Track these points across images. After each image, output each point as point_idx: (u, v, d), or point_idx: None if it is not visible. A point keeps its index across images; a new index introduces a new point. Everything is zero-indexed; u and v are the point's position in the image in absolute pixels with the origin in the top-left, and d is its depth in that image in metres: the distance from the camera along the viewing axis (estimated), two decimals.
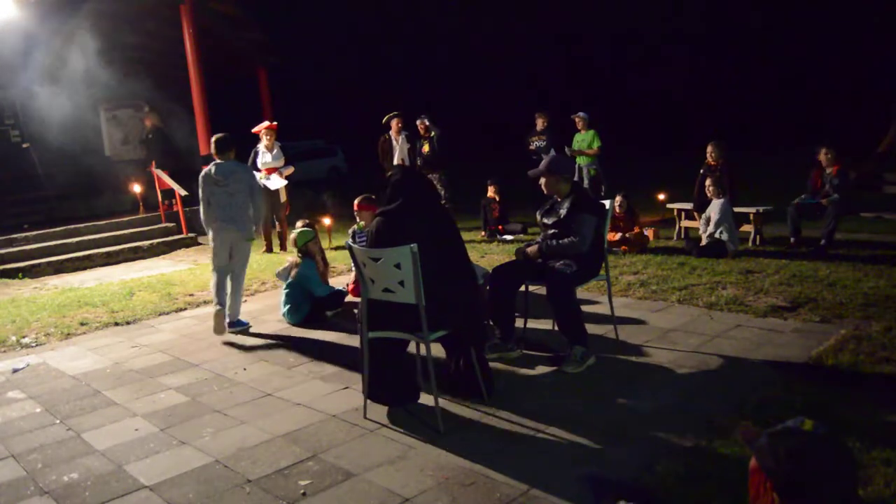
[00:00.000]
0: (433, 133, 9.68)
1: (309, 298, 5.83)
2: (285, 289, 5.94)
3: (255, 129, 9.54)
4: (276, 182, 9.30)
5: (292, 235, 6.16)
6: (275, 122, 9.65)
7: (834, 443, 1.49)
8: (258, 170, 9.29)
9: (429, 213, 3.72)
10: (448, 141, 9.75)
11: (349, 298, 6.31)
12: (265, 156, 9.34)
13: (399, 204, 3.67)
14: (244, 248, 5.76)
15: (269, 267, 8.23)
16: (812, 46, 24.23)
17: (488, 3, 30.04)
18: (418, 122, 9.84)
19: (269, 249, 9.62)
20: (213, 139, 5.82)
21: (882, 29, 21.31)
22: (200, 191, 5.66)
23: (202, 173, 5.68)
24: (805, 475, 1.44)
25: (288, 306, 5.85)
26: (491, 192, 9.80)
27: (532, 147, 10.36)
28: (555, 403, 3.75)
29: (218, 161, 5.67)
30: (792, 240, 7.59)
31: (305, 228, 6.25)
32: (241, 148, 10.28)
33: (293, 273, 5.92)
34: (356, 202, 6.79)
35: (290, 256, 6.10)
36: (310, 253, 6.13)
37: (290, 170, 9.53)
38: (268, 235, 9.66)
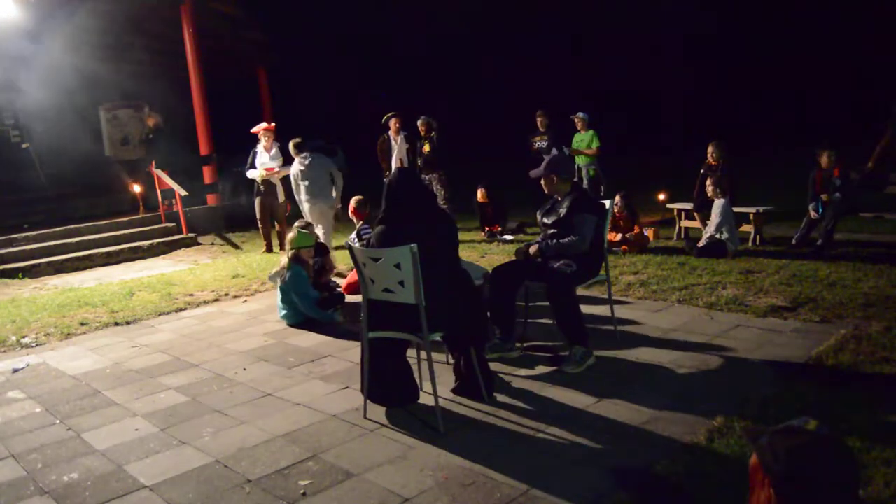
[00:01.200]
0: (434, 133, 9.67)
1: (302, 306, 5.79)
2: (280, 291, 5.83)
3: (253, 130, 9.56)
4: (253, 172, 9.34)
5: (290, 235, 6.06)
6: (273, 124, 9.67)
7: (835, 444, 1.49)
8: (255, 168, 9.35)
9: (425, 214, 3.72)
10: (448, 141, 9.74)
11: (348, 298, 6.29)
12: (263, 156, 9.37)
13: (396, 208, 3.68)
14: (327, 216, 8.70)
15: (269, 267, 8.22)
16: (812, 46, 24.23)
17: (490, 3, 30.05)
18: (419, 122, 9.84)
19: (269, 249, 9.63)
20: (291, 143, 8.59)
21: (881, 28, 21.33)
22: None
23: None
24: (800, 474, 1.44)
25: (285, 310, 5.82)
26: (480, 195, 9.82)
27: (535, 147, 10.36)
28: (555, 403, 3.75)
29: (302, 154, 8.46)
30: (794, 241, 7.58)
31: (304, 231, 6.02)
32: (241, 148, 10.34)
33: (284, 278, 5.77)
34: (352, 207, 6.79)
35: (285, 258, 6.00)
36: (301, 260, 5.87)
37: (288, 169, 9.52)
38: (267, 235, 9.66)
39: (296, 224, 6.36)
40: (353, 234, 6.77)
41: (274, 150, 9.37)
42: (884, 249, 6.97)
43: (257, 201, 9.53)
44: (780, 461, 1.46)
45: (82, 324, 6.21)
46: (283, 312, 5.82)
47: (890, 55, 19.61)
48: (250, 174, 9.44)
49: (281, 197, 9.50)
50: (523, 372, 4.25)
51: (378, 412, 3.76)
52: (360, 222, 6.71)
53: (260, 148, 9.41)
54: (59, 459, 3.48)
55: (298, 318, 5.75)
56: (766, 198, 8.40)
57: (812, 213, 7.48)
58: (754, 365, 4.09)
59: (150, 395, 4.34)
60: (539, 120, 10.47)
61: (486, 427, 3.53)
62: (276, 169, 9.33)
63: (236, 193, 12.65)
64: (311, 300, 5.72)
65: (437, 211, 3.92)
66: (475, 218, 10.20)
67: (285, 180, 9.50)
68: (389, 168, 9.76)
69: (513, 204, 10.33)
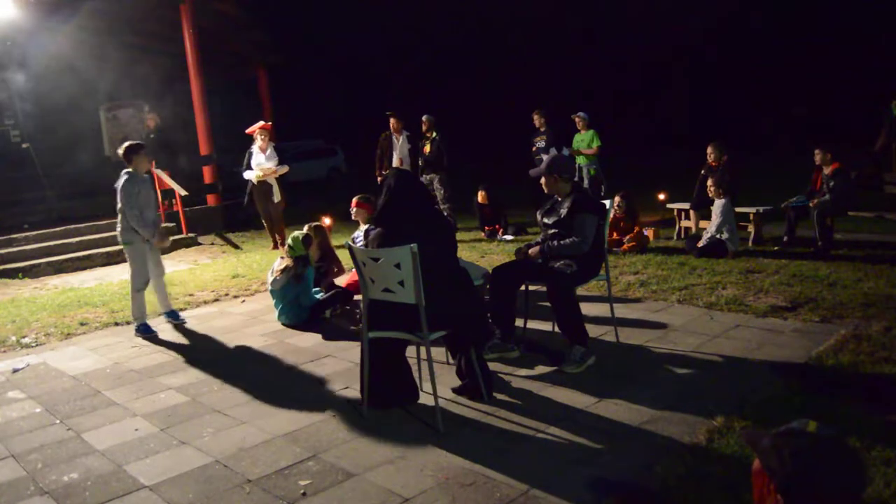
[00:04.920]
0: (435, 134, 9.67)
1: (304, 300, 5.79)
2: (279, 291, 5.77)
3: (248, 130, 9.57)
4: (250, 174, 9.35)
5: (296, 238, 5.99)
6: (269, 123, 9.68)
7: (839, 445, 1.48)
8: (251, 169, 9.35)
9: (423, 215, 3.73)
10: (449, 143, 9.74)
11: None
12: (258, 156, 9.37)
13: (394, 209, 3.68)
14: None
15: (269, 266, 8.22)
16: (813, 45, 24.23)
17: (490, 4, 30.07)
18: (423, 120, 9.84)
19: (276, 246, 9.69)
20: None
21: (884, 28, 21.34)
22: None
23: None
24: (809, 477, 1.43)
25: (283, 311, 5.78)
26: (481, 197, 9.86)
27: (534, 147, 10.37)
28: (555, 403, 3.75)
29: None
30: (785, 238, 7.60)
31: (296, 236, 5.97)
32: (240, 148, 10.31)
33: (287, 277, 5.73)
34: (354, 200, 6.78)
35: (284, 263, 5.87)
36: (306, 260, 5.90)
37: (284, 169, 9.54)
38: (272, 232, 9.74)
39: (296, 233, 6.31)
40: (359, 234, 6.73)
41: (269, 150, 9.37)
42: (884, 249, 6.96)
43: (256, 201, 9.57)
44: (786, 465, 1.45)
45: (82, 324, 6.21)
46: (282, 314, 5.80)
47: (890, 54, 19.61)
48: (247, 175, 9.45)
49: (277, 197, 9.49)
50: (523, 372, 4.25)
51: (378, 412, 3.76)
52: (368, 224, 6.67)
53: (255, 148, 9.41)
54: (59, 459, 3.48)
55: (297, 319, 5.74)
56: (767, 198, 8.40)
57: (787, 204, 7.62)
58: (754, 365, 4.09)
59: (150, 395, 4.34)
60: (536, 119, 10.49)
61: (486, 427, 3.53)
62: (273, 168, 9.33)
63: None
64: (312, 296, 5.80)
65: (434, 212, 3.92)
66: (475, 218, 10.21)
67: (280, 180, 9.51)
68: (389, 167, 9.75)
69: (512, 204, 10.33)
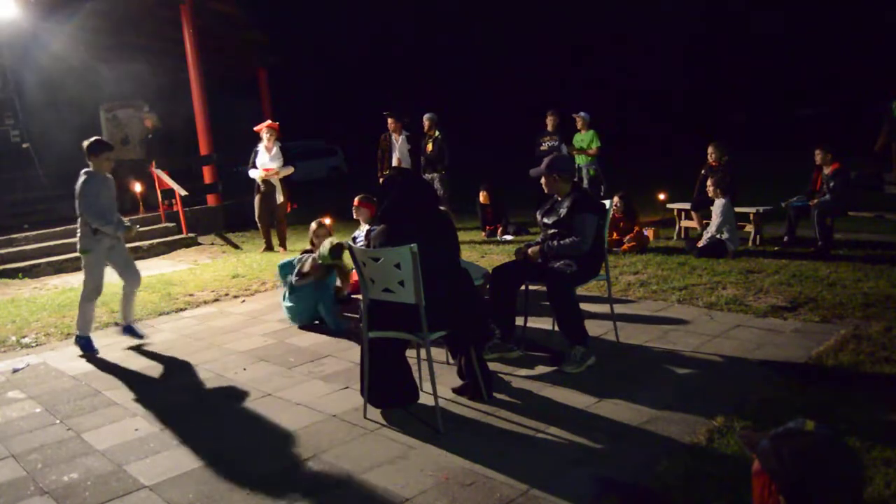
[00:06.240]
0: (437, 133, 9.67)
1: (316, 302, 5.71)
2: (295, 290, 5.65)
3: (256, 128, 9.57)
4: (254, 173, 9.36)
5: (321, 250, 5.63)
6: (276, 122, 9.67)
7: (838, 443, 1.49)
8: (256, 167, 9.34)
9: (427, 214, 3.72)
10: (450, 142, 9.74)
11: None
12: (263, 156, 9.36)
13: (397, 207, 3.68)
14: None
15: (269, 266, 8.24)
16: (815, 45, 24.25)
17: (490, 4, 30.07)
18: (424, 119, 9.83)
19: (269, 248, 9.64)
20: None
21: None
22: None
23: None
24: (811, 476, 1.43)
25: (298, 310, 5.68)
26: (483, 197, 9.85)
27: (543, 147, 10.30)
28: (555, 403, 3.75)
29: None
30: (785, 238, 7.60)
31: (337, 247, 5.64)
32: (243, 147, 10.32)
33: (309, 277, 5.59)
34: (356, 199, 6.77)
35: (310, 264, 5.64)
36: (331, 270, 5.75)
37: (288, 170, 9.53)
38: (266, 234, 9.68)
39: (330, 239, 5.87)
40: (360, 233, 6.65)
41: (275, 150, 9.37)
42: (884, 250, 6.96)
43: (257, 200, 9.54)
44: (787, 465, 1.45)
45: None
46: (295, 315, 5.69)
47: (889, 54, 19.61)
48: (251, 174, 9.45)
49: (280, 197, 9.49)
50: (523, 372, 4.25)
51: (378, 412, 3.76)
52: (369, 223, 6.63)
53: (261, 147, 9.41)
54: (59, 459, 3.48)
55: (307, 321, 5.67)
56: (767, 198, 8.40)
57: (786, 203, 7.63)
58: (754, 365, 4.09)
59: (150, 395, 4.34)
60: (549, 120, 10.45)
61: (486, 427, 3.53)
62: (276, 170, 9.33)
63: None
64: (332, 310, 5.64)
65: (438, 211, 3.92)
66: (475, 218, 10.20)
67: (285, 180, 9.51)
68: (389, 167, 9.74)
69: (513, 204, 10.31)
